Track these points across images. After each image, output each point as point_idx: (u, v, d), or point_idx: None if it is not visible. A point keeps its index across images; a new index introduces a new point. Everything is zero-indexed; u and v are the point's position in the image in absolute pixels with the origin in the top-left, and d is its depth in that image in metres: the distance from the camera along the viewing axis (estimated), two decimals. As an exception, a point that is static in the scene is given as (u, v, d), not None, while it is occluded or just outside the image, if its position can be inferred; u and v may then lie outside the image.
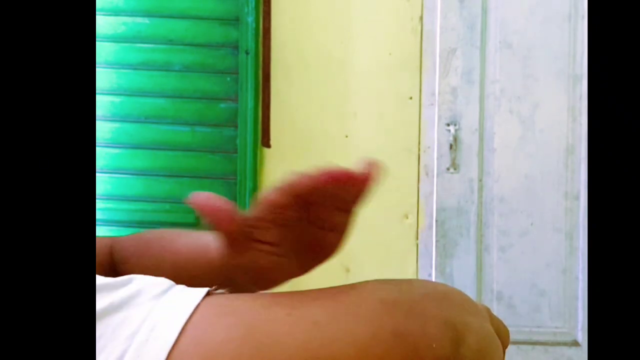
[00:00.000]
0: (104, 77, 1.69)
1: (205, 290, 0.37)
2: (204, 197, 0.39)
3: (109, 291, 0.35)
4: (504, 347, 0.44)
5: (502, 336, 0.43)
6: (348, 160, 1.73)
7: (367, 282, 0.40)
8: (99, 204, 1.69)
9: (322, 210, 0.41)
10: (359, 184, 0.38)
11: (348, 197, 0.40)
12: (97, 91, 1.67)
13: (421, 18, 1.74)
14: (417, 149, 1.75)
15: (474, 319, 0.39)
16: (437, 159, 1.74)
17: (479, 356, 0.38)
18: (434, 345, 0.36)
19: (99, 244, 0.55)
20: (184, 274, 0.39)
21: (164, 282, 0.38)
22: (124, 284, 0.36)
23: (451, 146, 1.73)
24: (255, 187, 1.69)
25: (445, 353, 0.36)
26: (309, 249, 0.44)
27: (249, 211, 0.40)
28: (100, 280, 0.36)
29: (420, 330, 0.36)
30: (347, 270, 1.72)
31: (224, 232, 0.41)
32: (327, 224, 0.42)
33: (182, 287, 0.38)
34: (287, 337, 0.34)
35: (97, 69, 1.68)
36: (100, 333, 0.33)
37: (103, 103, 1.69)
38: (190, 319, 0.34)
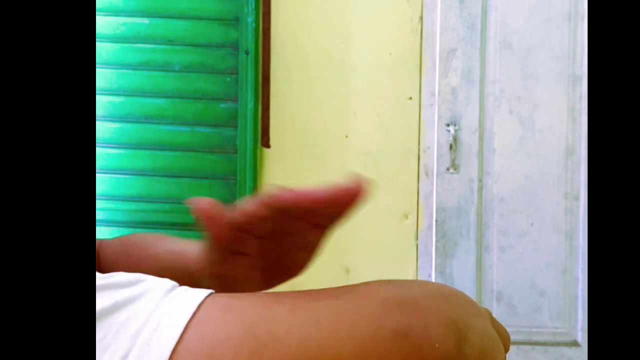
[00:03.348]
0: (104, 77, 1.69)
1: (208, 290, 0.37)
2: (204, 202, 0.40)
3: (115, 290, 0.36)
4: (505, 351, 0.44)
5: (503, 340, 0.43)
6: (348, 160, 1.72)
7: (369, 282, 0.40)
8: (99, 204, 1.69)
9: (299, 226, 0.41)
10: (343, 204, 0.38)
11: (328, 215, 0.40)
12: (97, 91, 1.67)
13: (421, 18, 1.74)
14: (417, 149, 1.75)
15: (477, 320, 0.39)
16: (437, 159, 1.74)
17: (482, 356, 0.38)
18: (437, 346, 0.36)
19: None
20: (163, 277, 0.39)
21: (168, 282, 0.38)
22: (131, 284, 0.37)
23: (451, 146, 1.73)
24: (255, 187, 1.69)
25: (449, 353, 0.36)
26: (277, 265, 0.44)
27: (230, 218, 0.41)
28: (108, 278, 0.36)
29: (423, 330, 0.36)
30: (347, 271, 1.72)
31: (215, 237, 0.41)
32: (301, 241, 0.42)
33: (185, 287, 0.38)
34: (288, 336, 0.34)
35: (97, 69, 1.68)
36: (104, 332, 0.33)
37: (103, 103, 1.69)
38: (193, 317, 0.34)
